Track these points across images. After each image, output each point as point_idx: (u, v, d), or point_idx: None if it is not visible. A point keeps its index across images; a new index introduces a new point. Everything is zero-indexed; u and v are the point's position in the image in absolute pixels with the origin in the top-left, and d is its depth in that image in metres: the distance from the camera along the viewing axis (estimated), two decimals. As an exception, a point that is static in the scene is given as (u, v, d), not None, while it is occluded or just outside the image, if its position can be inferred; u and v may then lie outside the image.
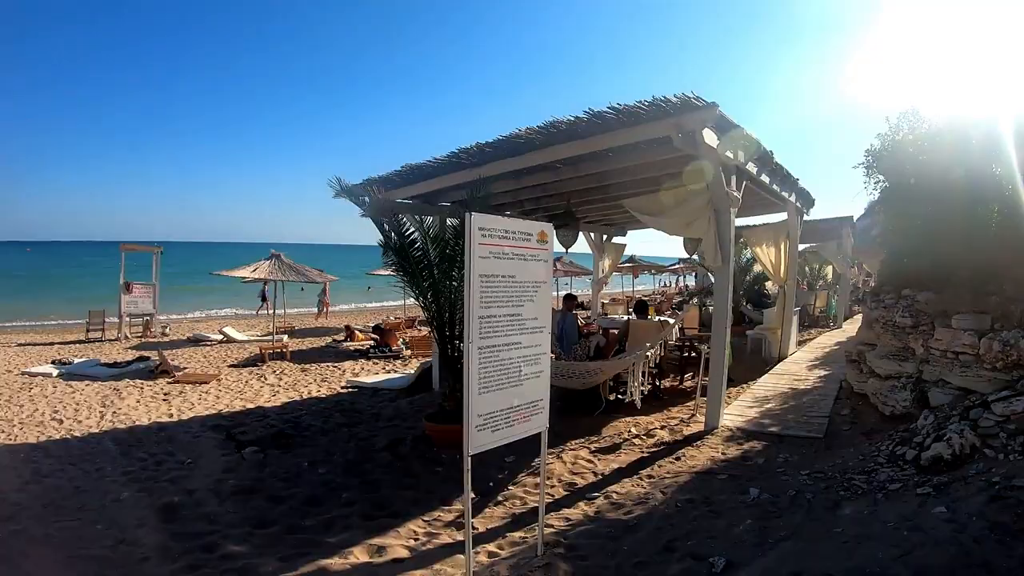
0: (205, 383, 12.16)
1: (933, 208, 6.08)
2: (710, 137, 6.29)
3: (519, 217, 10.04)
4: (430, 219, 8.08)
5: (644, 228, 14.65)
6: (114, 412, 9.78)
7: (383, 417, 9.01)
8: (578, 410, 8.33)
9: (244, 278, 17.80)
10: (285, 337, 18.30)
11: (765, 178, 8.73)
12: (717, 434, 6.75)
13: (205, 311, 32.26)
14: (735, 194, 7.19)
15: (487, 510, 5.32)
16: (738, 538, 4.08)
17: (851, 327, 15.39)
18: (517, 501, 5.49)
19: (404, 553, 4.60)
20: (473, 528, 4.85)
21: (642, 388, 8.36)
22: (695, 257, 14.50)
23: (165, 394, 11.16)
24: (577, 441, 7.11)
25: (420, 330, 20.63)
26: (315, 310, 29.01)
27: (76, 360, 14.86)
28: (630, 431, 7.32)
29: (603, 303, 22.57)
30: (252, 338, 19.88)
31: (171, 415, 9.62)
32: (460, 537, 4.68)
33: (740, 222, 10.11)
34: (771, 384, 9.13)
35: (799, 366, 10.62)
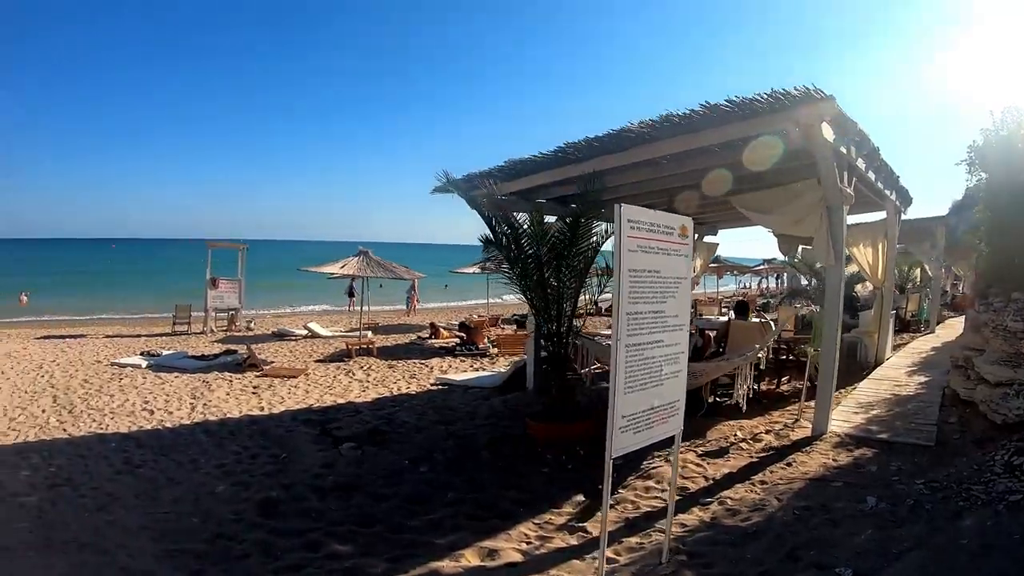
0: (293, 377, 12.28)
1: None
2: (827, 131, 6.16)
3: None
4: (523, 216, 8.10)
5: (732, 227, 14.12)
6: (204, 404, 9.94)
7: (479, 415, 8.86)
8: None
9: (331, 274, 18.03)
10: (369, 333, 18.46)
11: (871, 175, 8.54)
12: (826, 440, 6.59)
13: (289, 307, 33.22)
14: (848, 190, 7.02)
15: (599, 514, 5.10)
16: (861, 548, 4.01)
17: (944, 332, 15.60)
18: (629, 505, 5.32)
19: (517, 557, 4.48)
20: (586, 533, 4.80)
21: (749, 391, 8.28)
22: (785, 258, 13.99)
23: (254, 387, 11.32)
24: (683, 444, 6.81)
25: (503, 328, 20.53)
26: (399, 307, 29.49)
27: (164, 352, 15.34)
28: (735, 435, 7.13)
29: (697, 303, 22.00)
30: (336, 333, 20.22)
31: (261, 408, 9.70)
32: (573, 541, 4.67)
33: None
34: (872, 389, 8.91)
35: (898, 371, 10.32)
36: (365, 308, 19.57)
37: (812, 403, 7.40)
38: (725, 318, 13.01)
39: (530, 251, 7.68)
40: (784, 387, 9.65)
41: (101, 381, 11.84)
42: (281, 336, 19.72)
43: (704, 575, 3.90)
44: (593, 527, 4.83)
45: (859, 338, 12.01)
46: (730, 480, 5.70)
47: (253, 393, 10.82)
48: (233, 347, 15.84)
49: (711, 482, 5.70)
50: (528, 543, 4.69)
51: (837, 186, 6.74)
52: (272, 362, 14.15)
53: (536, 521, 5.06)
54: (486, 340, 16.90)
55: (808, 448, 6.37)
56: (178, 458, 7.18)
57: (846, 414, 7.48)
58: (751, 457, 6.34)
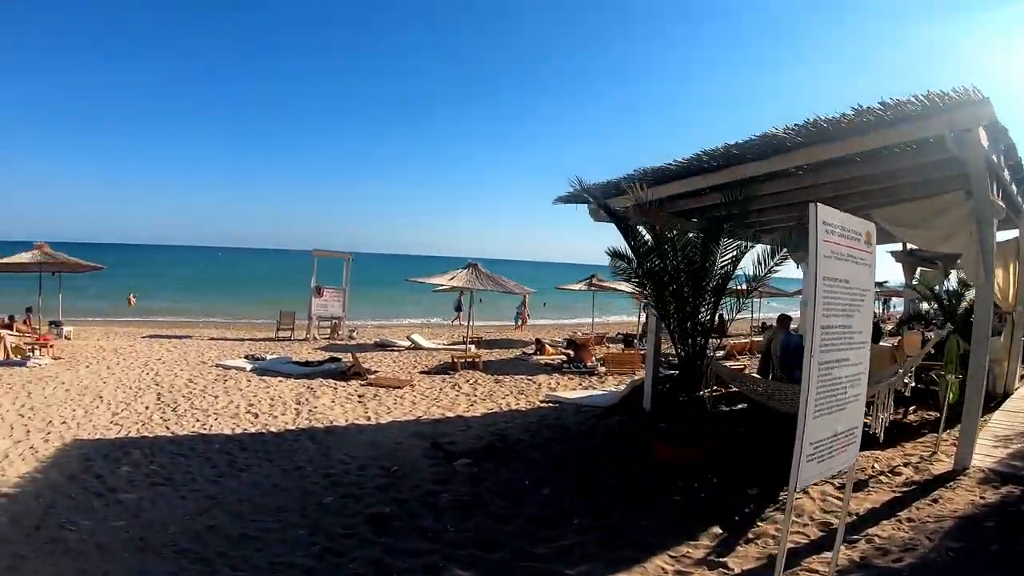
0: (399, 388, 12.24)
1: None
2: (983, 138, 5.75)
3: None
4: (642, 229, 7.81)
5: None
6: (309, 410, 9.98)
7: (596, 436, 8.51)
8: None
9: (439, 286, 18.05)
10: (473, 347, 18.33)
11: (1013, 187, 7.90)
12: (969, 475, 6.22)
13: (393, 318, 33.80)
14: (999, 203, 6.71)
15: (739, 548, 4.81)
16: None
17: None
18: (770, 540, 4.93)
19: (657, 593, 4.16)
20: (727, 569, 4.48)
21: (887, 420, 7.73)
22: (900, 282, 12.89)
23: (359, 396, 11.32)
24: (818, 475, 6.35)
25: (608, 347, 20.06)
26: (500, 322, 29.52)
27: (269, 356, 15.64)
28: (872, 466, 6.75)
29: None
30: (438, 346, 20.28)
31: (368, 418, 9.63)
32: (715, 579, 4.36)
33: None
34: (1006, 422, 8.45)
35: (1031, 403, 9.73)
36: (468, 323, 19.53)
37: (945, 434, 7.27)
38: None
39: (671, 264, 7.36)
40: (911, 417, 9.07)
41: (206, 382, 12.17)
42: (383, 346, 19.93)
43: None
44: (735, 563, 4.49)
45: (988, 366, 11.01)
46: (875, 516, 5.37)
47: (359, 402, 10.81)
48: (337, 355, 16.05)
49: (855, 517, 5.32)
50: (666, 578, 4.32)
51: (989, 198, 6.37)
52: (376, 371, 14.20)
53: (672, 554, 4.70)
54: (594, 358, 16.51)
55: (952, 484, 6.02)
56: (283, 464, 7.13)
57: (985, 448, 7.13)
58: (893, 491, 5.99)
